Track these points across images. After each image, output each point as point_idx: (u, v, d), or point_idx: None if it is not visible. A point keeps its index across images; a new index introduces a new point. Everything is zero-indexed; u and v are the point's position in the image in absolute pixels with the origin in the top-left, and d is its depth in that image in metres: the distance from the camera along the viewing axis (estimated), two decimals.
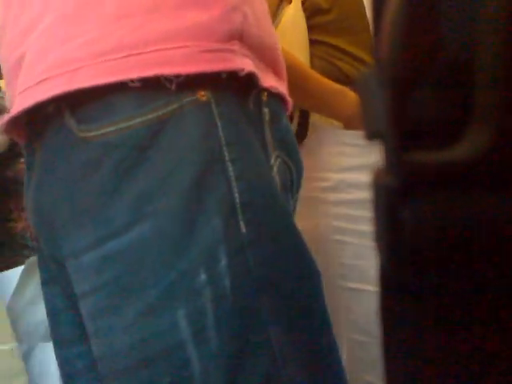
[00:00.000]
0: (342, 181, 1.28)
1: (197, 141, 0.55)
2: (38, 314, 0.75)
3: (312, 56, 1.27)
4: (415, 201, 0.31)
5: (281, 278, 0.56)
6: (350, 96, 1.16)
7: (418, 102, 0.31)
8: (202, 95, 0.55)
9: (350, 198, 1.26)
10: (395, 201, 0.31)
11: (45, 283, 0.71)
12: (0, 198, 1.20)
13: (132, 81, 0.53)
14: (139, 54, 0.53)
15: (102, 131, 0.55)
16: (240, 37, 0.58)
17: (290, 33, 1.27)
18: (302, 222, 1.39)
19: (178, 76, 0.54)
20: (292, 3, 1.28)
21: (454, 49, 0.30)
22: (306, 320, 0.58)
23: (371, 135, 0.32)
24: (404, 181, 0.31)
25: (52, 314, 0.72)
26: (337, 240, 1.26)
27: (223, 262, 0.54)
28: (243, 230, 0.55)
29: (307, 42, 1.28)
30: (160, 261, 0.54)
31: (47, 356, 0.77)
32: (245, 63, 0.57)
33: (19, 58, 0.59)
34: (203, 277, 0.53)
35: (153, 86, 0.54)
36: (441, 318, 0.31)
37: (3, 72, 0.66)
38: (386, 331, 0.32)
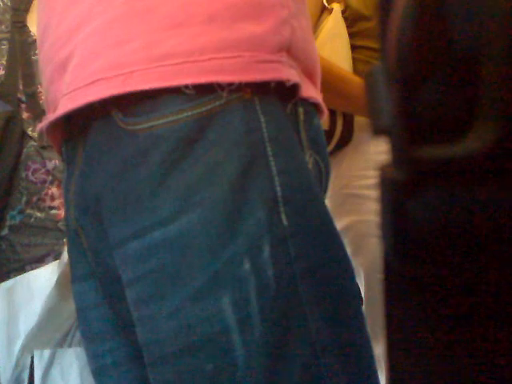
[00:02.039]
0: None
1: (242, 136, 0.57)
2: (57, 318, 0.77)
3: (356, 61, 1.34)
4: (422, 195, 0.31)
5: (319, 270, 0.58)
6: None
7: (426, 97, 0.31)
8: (247, 93, 0.58)
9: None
10: (402, 195, 0.32)
11: (77, 278, 0.72)
12: (41, 185, 1.23)
13: (186, 86, 0.56)
14: (195, 61, 0.56)
15: (151, 124, 0.57)
16: (288, 49, 0.61)
17: (331, 41, 1.33)
18: (347, 218, 1.42)
19: (230, 84, 0.57)
20: (332, 13, 1.36)
21: (462, 45, 0.30)
22: (343, 312, 0.59)
23: (378, 130, 0.33)
24: (411, 175, 0.32)
25: (82, 309, 0.73)
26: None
27: (266, 252, 0.55)
28: (285, 222, 0.57)
29: (349, 48, 1.34)
30: (206, 249, 0.55)
31: (69, 362, 0.78)
32: (291, 74, 0.60)
33: (65, 59, 0.61)
34: (247, 266, 0.55)
35: (205, 91, 0.57)
36: (444, 310, 0.31)
37: (44, 72, 0.67)
38: (389, 324, 0.32)
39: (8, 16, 1.31)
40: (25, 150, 1.20)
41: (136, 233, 0.58)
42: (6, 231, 1.22)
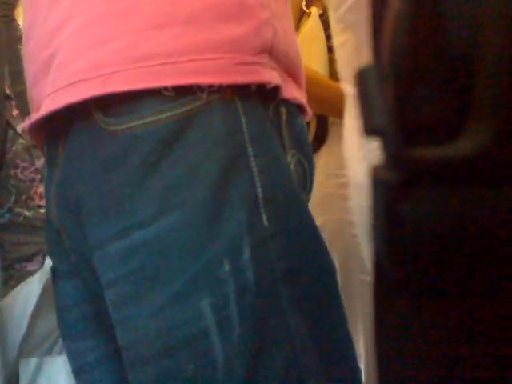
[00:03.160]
0: None
1: (222, 136, 0.57)
2: (44, 326, 0.76)
3: (332, 61, 1.39)
4: (415, 196, 0.31)
5: (301, 271, 0.58)
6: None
7: (419, 98, 0.31)
8: (228, 94, 0.58)
9: None
10: (395, 196, 0.32)
11: (59, 278, 0.72)
12: (30, 183, 1.23)
13: (166, 88, 0.56)
14: (175, 62, 0.56)
15: (131, 124, 0.57)
16: (269, 50, 0.60)
17: (309, 43, 1.41)
18: (322, 216, 1.45)
19: (211, 86, 0.57)
20: (311, 16, 1.44)
21: (457, 46, 0.30)
22: (324, 313, 0.60)
23: (370, 131, 0.32)
24: (404, 176, 0.31)
25: (63, 308, 0.73)
26: (354, 234, 1.31)
27: (246, 253, 0.55)
28: (265, 223, 0.57)
29: (326, 50, 1.42)
30: (185, 251, 0.55)
31: (57, 370, 0.78)
32: (272, 76, 0.60)
33: (48, 58, 0.61)
34: (227, 267, 0.55)
35: (185, 92, 0.56)
36: (436, 312, 0.31)
37: (29, 71, 0.67)
38: (378, 326, 0.32)
39: None
40: (13, 148, 1.19)
41: (116, 234, 0.57)
42: None
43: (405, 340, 0.32)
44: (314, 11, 1.43)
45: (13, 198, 1.21)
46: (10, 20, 1.28)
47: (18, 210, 1.21)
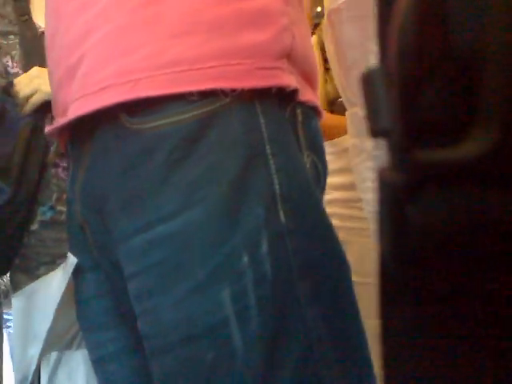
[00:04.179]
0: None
1: (242, 135, 0.59)
2: (65, 320, 0.79)
3: (326, 82, 1.54)
4: (421, 199, 0.31)
5: (316, 266, 0.60)
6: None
7: (426, 100, 0.30)
8: (248, 96, 0.60)
9: (330, 198, 1.47)
10: (401, 199, 0.31)
11: (81, 271, 0.75)
12: None
13: (191, 93, 0.58)
14: (198, 69, 0.58)
15: (155, 124, 0.59)
16: (288, 55, 0.63)
17: None
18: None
19: (233, 90, 0.59)
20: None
21: (462, 48, 0.30)
22: (339, 305, 0.61)
23: (377, 133, 0.32)
24: (410, 178, 0.31)
25: (84, 300, 0.75)
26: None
27: (264, 247, 0.58)
28: (282, 219, 0.59)
29: (322, 71, 1.54)
30: (207, 244, 0.58)
31: (76, 364, 0.80)
32: (291, 80, 0.62)
33: (74, 64, 0.63)
34: (246, 259, 0.57)
35: (208, 95, 0.59)
36: (443, 315, 0.31)
37: (53, 77, 0.69)
38: (384, 329, 0.32)
39: (9, 9, 1.28)
40: (53, 148, 1.23)
41: (140, 228, 0.60)
42: (36, 226, 1.25)
43: (411, 343, 0.31)
44: (313, 39, 1.54)
45: (54, 196, 1.25)
46: (29, 19, 1.28)
47: (59, 208, 1.25)
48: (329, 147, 1.43)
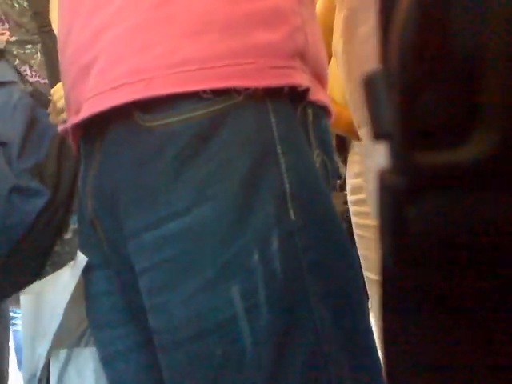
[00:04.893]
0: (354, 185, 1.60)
1: (253, 134, 0.60)
2: (75, 317, 0.79)
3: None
4: (422, 201, 0.31)
5: (325, 263, 0.60)
6: (344, 115, 1.37)
7: (427, 103, 0.31)
8: (260, 95, 0.60)
9: (356, 198, 1.58)
10: (402, 201, 0.31)
11: (90, 268, 0.75)
12: None
13: (204, 91, 0.59)
14: (211, 67, 0.59)
15: (167, 121, 0.60)
16: (301, 54, 0.63)
17: None
18: None
19: (247, 89, 0.59)
20: None
21: (463, 51, 0.30)
22: (347, 302, 0.61)
23: (378, 136, 0.32)
24: (411, 181, 0.31)
25: (94, 297, 0.75)
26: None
27: (274, 244, 0.58)
28: (292, 217, 0.59)
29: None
30: (217, 240, 0.58)
31: (84, 361, 0.81)
32: (303, 79, 0.63)
33: (88, 62, 0.64)
34: (256, 257, 0.57)
35: (220, 94, 0.59)
36: (445, 317, 0.31)
37: (67, 75, 0.70)
38: (386, 331, 0.32)
39: (26, 19, 1.29)
40: None
41: (151, 224, 0.60)
42: (69, 235, 1.27)
43: (413, 345, 0.31)
44: None
45: None
46: (50, 30, 1.29)
47: None
48: (359, 148, 1.47)
